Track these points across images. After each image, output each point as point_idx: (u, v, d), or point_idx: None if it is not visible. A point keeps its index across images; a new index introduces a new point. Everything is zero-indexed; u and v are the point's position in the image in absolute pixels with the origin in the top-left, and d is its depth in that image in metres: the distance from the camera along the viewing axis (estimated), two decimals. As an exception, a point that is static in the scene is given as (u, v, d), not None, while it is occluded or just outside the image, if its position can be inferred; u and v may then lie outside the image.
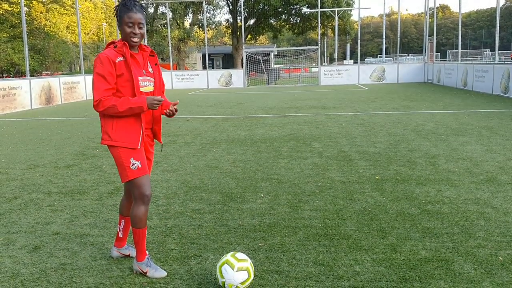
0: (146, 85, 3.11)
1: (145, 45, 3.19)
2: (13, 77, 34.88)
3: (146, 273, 3.19)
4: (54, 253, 3.67)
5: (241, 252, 3.25)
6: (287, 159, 6.93)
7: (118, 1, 3.10)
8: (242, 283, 2.92)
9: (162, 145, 3.54)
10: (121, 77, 2.99)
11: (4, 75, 40.90)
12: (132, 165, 3.06)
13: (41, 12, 46.15)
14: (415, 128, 9.56)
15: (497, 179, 5.46)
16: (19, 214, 4.68)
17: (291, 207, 4.64)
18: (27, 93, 17.34)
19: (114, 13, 3.07)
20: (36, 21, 43.88)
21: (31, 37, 38.48)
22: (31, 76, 21.54)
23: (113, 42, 3.10)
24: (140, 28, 3.02)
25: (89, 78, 22.65)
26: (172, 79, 29.44)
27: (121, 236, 3.48)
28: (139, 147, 3.08)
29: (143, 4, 3.06)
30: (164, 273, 3.21)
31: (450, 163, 6.37)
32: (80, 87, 21.44)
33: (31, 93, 17.54)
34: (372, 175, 5.81)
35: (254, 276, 3.07)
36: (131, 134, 3.05)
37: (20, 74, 39.06)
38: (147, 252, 3.28)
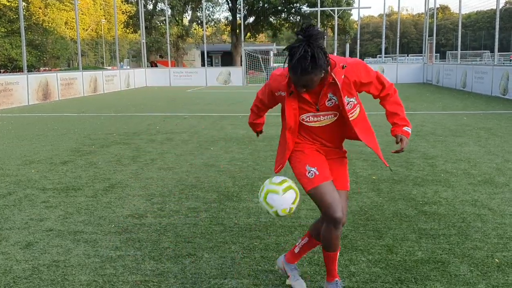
0: (318, 120, 2.69)
1: (339, 66, 2.56)
2: (10, 73, 34.75)
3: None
4: (47, 250, 3.64)
5: (274, 178, 2.82)
6: (284, 158, 6.89)
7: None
8: (293, 202, 2.69)
9: (390, 168, 3.07)
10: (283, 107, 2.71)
11: (2, 70, 40.76)
12: (308, 172, 2.68)
13: (40, 8, 46.00)
14: (413, 129, 9.53)
15: (494, 181, 5.44)
16: (13, 210, 4.64)
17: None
18: (24, 89, 17.26)
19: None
20: (35, 16, 43.73)
21: (29, 33, 38.37)
22: (28, 71, 21.44)
23: None
24: (307, 86, 2.51)
25: (87, 75, 22.56)
26: (170, 76, 29.37)
27: (296, 252, 3.01)
28: (276, 171, 2.84)
29: (318, 62, 2.39)
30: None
31: (448, 164, 6.34)
32: (78, 83, 21.35)
33: (28, 88, 17.46)
34: (369, 175, 5.78)
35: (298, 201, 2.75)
36: (282, 151, 2.83)
37: (17, 69, 38.95)
38: (337, 276, 2.87)
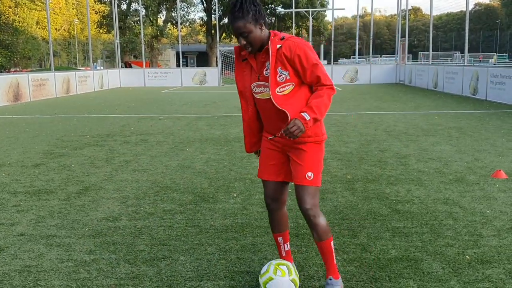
0: (261, 91, 2.74)
1: (279, 37, 2.67)
2: (-21, 73, 33.87)
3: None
4: (19, 255, 3.56)
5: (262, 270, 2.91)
6: (260, 158, 6.91)
7: None
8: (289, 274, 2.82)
9: (274, 136, 2.85)
10: None
11: (-30, 71, 39.69)
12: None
13: (10, 7, 44.97)
14: (387, 129, 9.68)
15: (465, 179, 5.57)
16: (-18, 215, 4.52)
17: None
18: (-6, 90, 16.83)
19: None
20: (4, 15, 42.73)
21: (-2, 32, 37.47)
22: (-2, 72, 20.91)
23: None
24: (245, 37, 2.62)
25: (59, 75, 22.16)
26: (145, 77, 29.09)
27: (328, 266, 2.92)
28: (247, 151, 3.02)
29: (245, 6, 2.59)
30: None
31: (420, 163, 6.46)
32: (50, 84, 20.93)
33: (-2, 89, 17.04)
34: (343, 175, 5.84)
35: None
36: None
37: (-13, 70, 37.98)
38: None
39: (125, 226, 4.15)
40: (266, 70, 2.69)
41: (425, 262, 3.34)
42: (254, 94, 2.80)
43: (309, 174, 2.75)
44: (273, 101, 2.65)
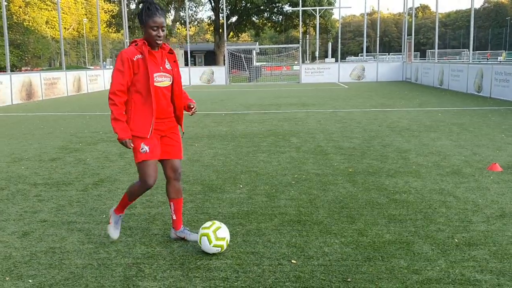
0: (162, 80, 3.45)
1: (164, 44, 3.49)
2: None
3: (109, 223, 3.73)
4: (43, 238, 3.89)
5: (224, 228, 3.55)
6: (266, 153, 7.21)
7: (138, 4, 3.52)
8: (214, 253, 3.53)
9: (183, 132, 3.83)
10: (138, 74, 3.36)
11: (-17, 70, 40.28)
12: (142, 148, 3.43)
13: (20, 7, 45.59)
14: (390, 125, 9.93)
15: (461, 172, 5.83)
16: (6, 203, 4.86)
17: (268, 197, 4.92)
18: (7, 88, 17.28)
19: (137, 16, 3.44)
20: (15, 15, 43.33)
21: (9, 32, 38.00)
22: (11, 71, 21.34)
23: (135, 41, 3.48)
24: (163, 30, 3.38)
25: (70, 74, 22.62)
26: (154, 76, 29.38)
27: (174, 218, 3.76)
28: (148, 137, 3.42)
29: (163, 8, 3.44)
30: (114, 237, 3.71)
31: (420, 157, 6.72)
32: (61, 83, 21.37)
33: (11, 88, 17.48)
34: (345, 168, 6.12)
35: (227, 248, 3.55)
36: (144, 125, 3.42)
37: (-1, 69, 38.56)
38: (124, 212, 3.80)
39: (140, 213, 4.47)
40: (167, 64, 3.49)
41: (416, 244, 3.63)
42: (155, 84, 3.40)
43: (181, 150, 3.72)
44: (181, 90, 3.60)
